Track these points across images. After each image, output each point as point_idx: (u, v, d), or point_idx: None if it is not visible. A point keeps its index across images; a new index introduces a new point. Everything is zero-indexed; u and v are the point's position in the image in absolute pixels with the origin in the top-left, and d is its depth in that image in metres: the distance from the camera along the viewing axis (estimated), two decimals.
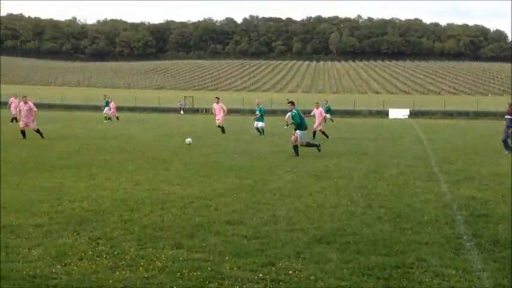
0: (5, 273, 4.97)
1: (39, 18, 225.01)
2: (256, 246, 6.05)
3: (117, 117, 38.20)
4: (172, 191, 9.62)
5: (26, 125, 20.44)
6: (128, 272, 5.14)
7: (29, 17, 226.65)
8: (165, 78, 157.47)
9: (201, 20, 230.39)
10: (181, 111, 63.01)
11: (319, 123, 23.32)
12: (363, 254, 5.75)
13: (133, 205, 8.21)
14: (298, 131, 16.10)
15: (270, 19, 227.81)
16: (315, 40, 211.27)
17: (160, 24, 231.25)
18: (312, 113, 23.86)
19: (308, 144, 16.64)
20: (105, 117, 37.65)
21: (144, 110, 64.10)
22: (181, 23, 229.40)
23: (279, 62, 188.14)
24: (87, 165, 13.08)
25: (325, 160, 14.82)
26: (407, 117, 56.68)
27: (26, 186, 9.85)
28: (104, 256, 5.60)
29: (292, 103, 16.68)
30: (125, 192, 9.38)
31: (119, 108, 42.98)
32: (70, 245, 5.97)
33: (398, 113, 58.45)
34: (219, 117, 26.13)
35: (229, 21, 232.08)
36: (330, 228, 6.92)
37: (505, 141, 17.48)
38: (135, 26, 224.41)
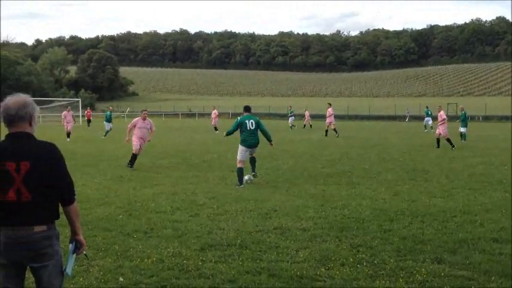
0: (277, 271, 5.52)
1: (306, 34, 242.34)
2: None
3: (310, 125, 40.99)
4: (433, 203, 9.32)
5: (140, 146, 15.29)
6: (388, 282, 5.21)
7: (297, 33, 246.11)
8: (426, 84, 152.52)
9: (468, 22, 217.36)
10: (406, 120, 61.95)
11: (441, 129, 21.73)
12: None
13: (393, 215, 8.23)
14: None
15: None
16: None
17: (423, 29, 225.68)
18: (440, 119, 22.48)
19: (239, 173, 11.66)
20: (291, 125, 40.95)
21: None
22: (446, 26, 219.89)
23: None
24: (348, 173, 13.59)
25: None
26: None
27: (294, 192, 10.75)
28: (364, 264, 5.76)
29: (246, 108, 12.28)
30: (384, 202, 9.46)
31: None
32: (333, 250, 6.31)
33: None
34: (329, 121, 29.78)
35: (501, 20, 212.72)
36: None
37: None
38: (397, 34, 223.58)
